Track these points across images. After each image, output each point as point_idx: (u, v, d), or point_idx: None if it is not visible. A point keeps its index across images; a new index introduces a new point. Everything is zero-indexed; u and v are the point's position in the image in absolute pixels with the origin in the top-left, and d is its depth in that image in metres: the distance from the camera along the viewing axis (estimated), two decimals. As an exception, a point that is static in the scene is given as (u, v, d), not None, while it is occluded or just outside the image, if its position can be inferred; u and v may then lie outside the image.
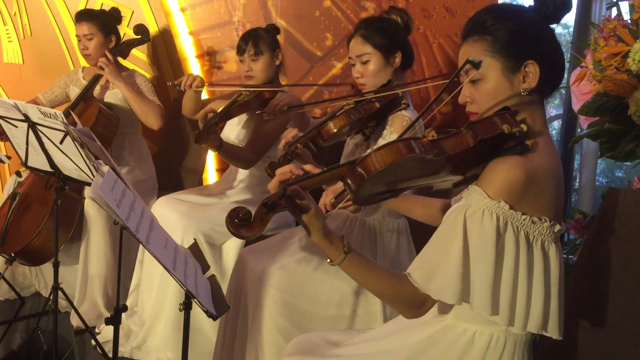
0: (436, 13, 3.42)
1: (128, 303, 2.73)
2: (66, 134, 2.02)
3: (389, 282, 1.33)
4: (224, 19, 3.53)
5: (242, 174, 2.78)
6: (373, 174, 1.23)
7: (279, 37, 2.80)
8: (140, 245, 2.75)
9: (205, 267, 1.47)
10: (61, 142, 2.08)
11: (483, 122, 1.30)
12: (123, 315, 2.70)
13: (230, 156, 2.54)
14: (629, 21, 2.27)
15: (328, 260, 1.34)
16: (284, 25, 3.47)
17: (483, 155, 1.32)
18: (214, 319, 1.28)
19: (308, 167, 1.48)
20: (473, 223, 1.26)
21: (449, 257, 1.26)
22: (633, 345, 1.49)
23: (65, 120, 1.94)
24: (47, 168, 2.28)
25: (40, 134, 2.13)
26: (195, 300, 1.25)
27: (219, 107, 2.60)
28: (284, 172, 1.36)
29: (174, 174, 3.41)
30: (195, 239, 1.83)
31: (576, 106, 2.50)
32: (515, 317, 1.28)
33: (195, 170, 3.40)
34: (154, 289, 2.58)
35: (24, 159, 2.32)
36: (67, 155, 2.11)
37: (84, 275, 2.89)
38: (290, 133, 2.06)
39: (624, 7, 2.42)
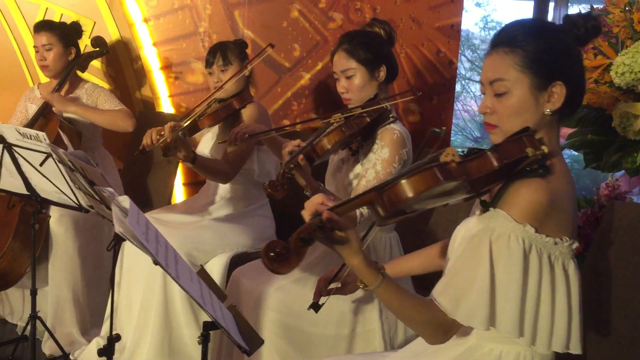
0: (403, 23, 3.44)
1: (104, 327, 2.62)
2: (48, 155, 1.91)
3: (421, 308, 1.32)
4: (189, 29, 3.44)
5: (222, 189, 2.71)
6: (404, 201, 1.22)
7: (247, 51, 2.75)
8: (117, 267, 2.64)
9: (221, 297, 1.41)
10: (41, 165, 1.97)
11: (507, 145, 1.30)
12: (100, 340, 2.60)
13: (206, 170, 2.47)
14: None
15: (361, 285, 1.32)
16: (251, 36, 3.42)
17: (501, 174, 1.32)
18: (248, 354, 1.22)
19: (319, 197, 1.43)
20: (499, 247, 1.26)
21: (475, 282, 1.26)
22: (647, 356, 1.53)
23: (49, 142, 1.84)
24: (23, 191, 2.15)
25: (17, 156, 2.01)
26: (229, 336, 1.19)
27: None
28: (315, 202, 1.32)
29: (141, 190, 3.29)
30: (202, 266, 1.76)
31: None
32: (537, 337, 1.28)
33: (164, 185, 3.29)
34: (135, 313, 2.47)
35: (-6, 181, 2.19)
36: (47, 178, 2.00)
37: (56, 299, 2.74)
38: (294, 142, 2.00)
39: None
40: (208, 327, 1.37)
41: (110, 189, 1.31)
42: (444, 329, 1.32)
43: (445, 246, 1.76)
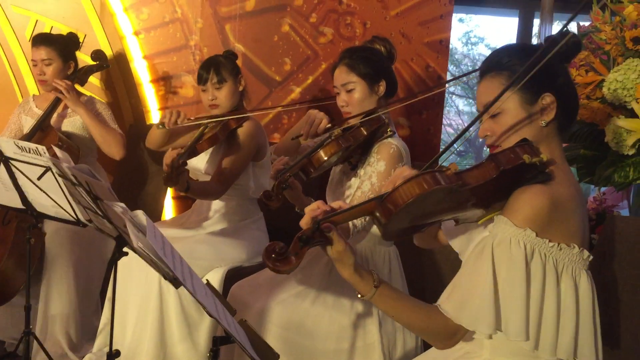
0: (393, 39, 3.44)
1: (97, 343, 2.59)
2: (47, 169, 1.89)
3: (420, 314, 1.36)
4: (180, 43, 3.44)
5: (216, 204, 2.69)
6: (401, 207, 1.25)
7: (237, 62, 2.74)
8: (111, 282, 2.61)
9: (231, 311, 1.40)
10: (39, 179, 1.94)
11: (504, 153, 1.34)
12: (92, 356, 2.56)
13: (198, 194, 2.48)
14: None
15: (358, 294, 1.35)
16: (242, 49, 3.43)
17: (506, 187, 1.35)
18: (265, 370, 1.22)
19: (337, 204, 1.45)
20: (501, 252, 1.30)
21: (478, 287, 1.30)
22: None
23: (49, 156, 1.82)
24: (18, 205, 2.12)
25: (14, 170, 1.99)
26: (245, 351, 1.19)
27: (185, 142, 2.53)
28: (312, 208, 1.36)
29: (132, 204, 3.25)
30: (207, 280, 1.75)
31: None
32: (540, 341, 1.31)
33: (155, 199, 3.27)
34: (129, 329, 2.44)
35: (-12, 195, 2.15)
36: (45, 192, 1.98)
37: (45, 314, 2.70)
38: (281, 161, 2.03)
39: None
40: (218, 342, 1.37)
41: (122, 204, 1.31)
42: (447, 334, 1.36)
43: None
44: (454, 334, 1.36)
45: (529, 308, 1.29)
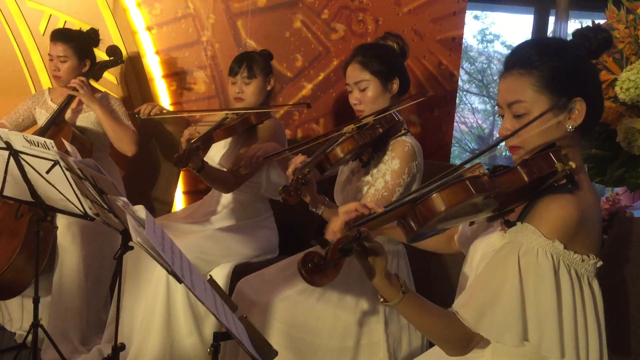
0: (405, 36, 3.40)
1: (105, 336, 2.61)
2: (55, 163, 1.90)
3: (442, 323, 1.32)
4: (192, 38, 3.45)
5: (225, 199, 2.70)
6: (438, 214, 1.21)
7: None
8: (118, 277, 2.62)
9: (232, 307, 1.40)
10: (48, 172, 1.96)
11: (537, 160, 1.29)
12: (101, 348, 2.58)
13: (211, 179, 2.47)
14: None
15: (382, 299, 1.31)
16: (254, 45, 3.43)
17: (528, 190, 1.32)
18: (263, 367, 1.22)
19: (370, 204, 1.43)
20: (528, 262, 1.26)
21: (503, 297, 1.26)
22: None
23: (57, 150, 1.83)
24: (27, 198, 2.14)
25: (23, 163, 2.00)
26: (243, 347, 1.19)
27: (204, 130, 2.54)
28: (348, 210, 1.32)
29: (143, 198, 3.28)
30: (210, 275, 1.76)
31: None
32: (580, 356, 1.28)
33: (166, 193, 3.28)
34: (137, 323, 2.45)
35: (-1, 188, 2.17)
36: (53, 185, 1.99)
37: (58, 308, 2.72)
38: (299, 159, 2.01)
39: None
40: (219, 338, 1.37)
41: (124, 199, 1.31)
42: (464, 342, 1.32)
43: (447, 236, 1.76)
44: (469, 342, 1.33)
45: (562, 322, 1.26)
